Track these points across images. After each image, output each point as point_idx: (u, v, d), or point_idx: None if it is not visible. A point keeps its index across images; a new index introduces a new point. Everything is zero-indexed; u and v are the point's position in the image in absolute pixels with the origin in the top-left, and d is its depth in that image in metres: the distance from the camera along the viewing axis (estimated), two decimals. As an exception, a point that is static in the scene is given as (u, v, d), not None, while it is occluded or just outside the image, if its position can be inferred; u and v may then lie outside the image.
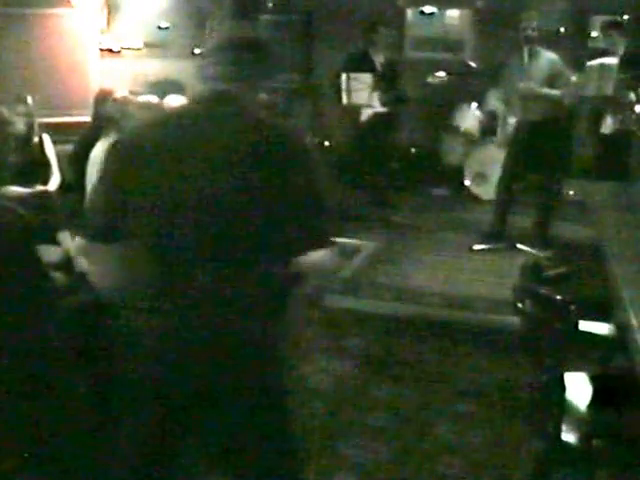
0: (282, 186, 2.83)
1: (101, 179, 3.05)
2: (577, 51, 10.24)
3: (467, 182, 10.85)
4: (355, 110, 9.73)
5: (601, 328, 4.11)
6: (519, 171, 8.74)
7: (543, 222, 8.63)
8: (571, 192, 9.96)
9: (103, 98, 7.52)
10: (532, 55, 8.31)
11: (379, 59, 9.85)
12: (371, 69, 9.54)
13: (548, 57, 8.39)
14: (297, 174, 2.87)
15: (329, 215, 2.95)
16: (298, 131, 3.21)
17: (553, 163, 8.70)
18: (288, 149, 2.94)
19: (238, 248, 2.85)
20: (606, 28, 9.13)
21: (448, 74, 10.73)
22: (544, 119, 8.36)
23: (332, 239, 2.92)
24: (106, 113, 6.87)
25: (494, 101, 9.06)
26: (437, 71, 10.81)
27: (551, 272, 3.81)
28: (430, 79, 10.55)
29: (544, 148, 8.52)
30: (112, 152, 3.08)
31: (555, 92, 8.34)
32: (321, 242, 2.89)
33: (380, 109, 9.69)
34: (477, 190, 10.61)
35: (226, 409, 2.96)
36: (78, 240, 3.16)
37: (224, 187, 2.82)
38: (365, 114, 9.80)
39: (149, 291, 2.97)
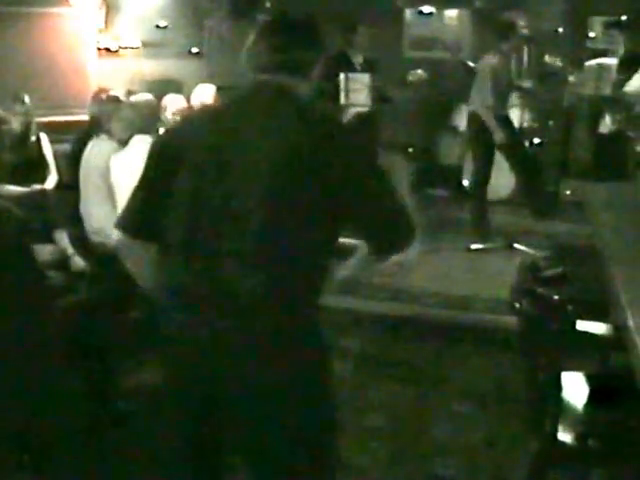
0: (345, 183, 2.69)
1: (143, 175, 2.93)
2: (575, 51, 10.26)
3: (465, 182, 10.83)
4: (339, 110, 9.72)
5: (599, 328, 4.11)
6: (483, 167, 8.87)
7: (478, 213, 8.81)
8: (568, 192, 9.97)
9: (97, 97, 7.54)
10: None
11: (358, 59, 9.83)
12: (349, 69, 9.51)
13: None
14: (363, 170, 2.76)
15: (406, 211, 2.82)
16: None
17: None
18: (350, 145, 2.81)
19: (289, 252, 2.69)
20: (608, 27, 9.16)
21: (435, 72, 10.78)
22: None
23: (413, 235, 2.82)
24: (99, 111, 6.88)
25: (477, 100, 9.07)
26: (438, 69, 10.84)
27: (549, 272, 3.81)
28: (410, 77, 10.54)
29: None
30: (154, 148, 2.98)
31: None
32: (404, 242, 2.82)
33: (362, 108, 9.66)
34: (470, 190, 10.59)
35: (263, 412, 2.77)
36: (119, 235, 3.02)
37: (276, 187, 2.64)
38: (348, 114, 9.78)
39: (181, 297, 2.82)
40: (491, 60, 8.56)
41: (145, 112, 5.98)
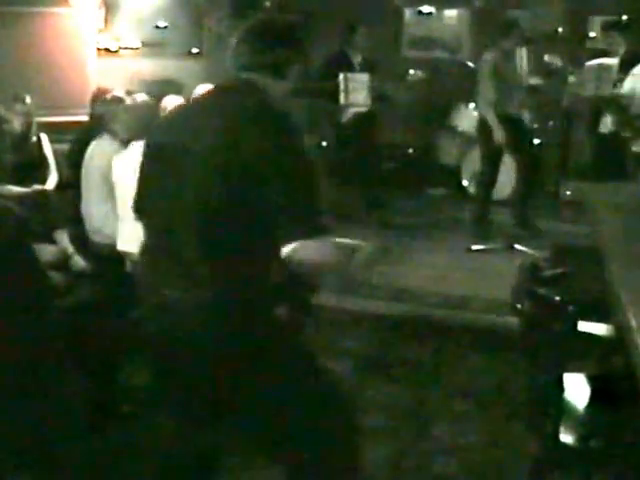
0: (267, 172, 2.82)
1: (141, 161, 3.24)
2: (575, 51, 10.26)
3: (465, 182, 10.84)
4: (338, 110, 9.73)
5: (600, 329, 4.10)
6: (490, 168, 8.87)
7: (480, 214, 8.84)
8: (568, 192, 9.97)
9: (98, 98, 7.53)
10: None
11: (357, 59, 9.85)
12: (349, 69, 9.52)
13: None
14: (281, 160, 2.86)
15: (317, 205, 2.94)
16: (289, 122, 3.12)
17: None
18: (274, 135, 2.90)
19: (226, 237, 2.89)
20: (607, 28, 9.15)
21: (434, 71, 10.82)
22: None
23: (323, 229, 2.90)
24: (98, 113, 6.88)
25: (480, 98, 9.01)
26: (437, 70, 10.87)
27: (549, 272, 3.80)
28: (409, 77, 10.55)
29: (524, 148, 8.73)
30: (148, 137, 3.30)
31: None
32: (310, 230, 2.88)
33: (361, 108, 9.67)
34: (474, 190, 10.58)
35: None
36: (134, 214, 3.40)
37: (213, 175, 2.85)
38: (347, 114, 9.79)
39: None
40: (491, 56, 8.57)
41: (145, 114, 5.99)
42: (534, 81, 8.75)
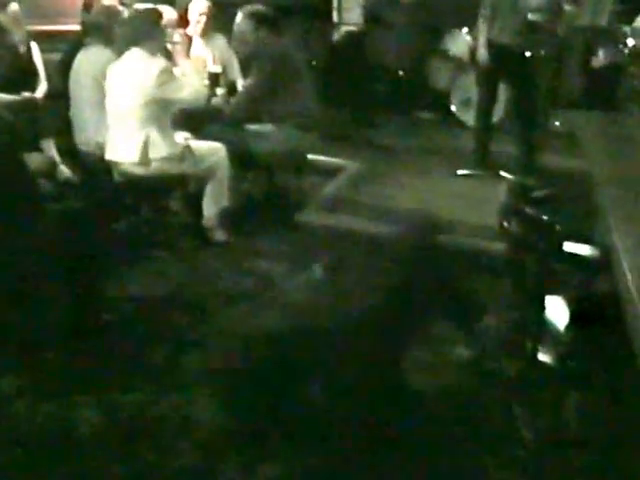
0: None
1: None
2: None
3: (453, 108, 10.80)
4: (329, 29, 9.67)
5: (585, 250, 4.13)
6: (493, 97, 8.72)
7: (527, 150, 8.64)
8: (557, 123, 9.96)
9: (90, 5, 7.45)
10: None
11: None
12: None
13: None
14: None
15: None
16: None
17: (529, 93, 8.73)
18: None
19: None
20: None
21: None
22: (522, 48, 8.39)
23: None
24: (92, 20, 6.81)
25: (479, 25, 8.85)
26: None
27: (538, 193, 3.83)
28: None
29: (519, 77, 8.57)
30: None
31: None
32: None
33: (353, 27, 9.61)
34: (463, 116, 10.55)
35: None
36: None
37: None
38: (339, 33, 9.73)
39: None
40: None
41: (148, 22, 5.93)
42: (531, 9, 8.63)
